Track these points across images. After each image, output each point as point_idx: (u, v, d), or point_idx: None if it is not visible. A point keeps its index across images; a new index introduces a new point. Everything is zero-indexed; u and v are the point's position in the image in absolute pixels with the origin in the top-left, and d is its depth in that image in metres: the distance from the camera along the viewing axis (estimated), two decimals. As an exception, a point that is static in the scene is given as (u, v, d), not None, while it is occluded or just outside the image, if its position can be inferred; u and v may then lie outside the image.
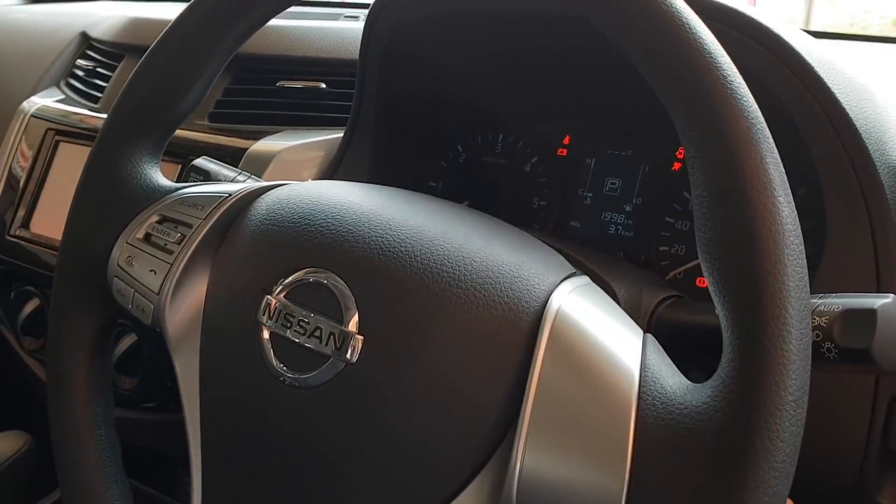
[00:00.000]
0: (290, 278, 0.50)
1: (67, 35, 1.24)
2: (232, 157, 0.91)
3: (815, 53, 0.62)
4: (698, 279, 0.78)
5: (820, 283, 0.62)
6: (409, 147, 0.90)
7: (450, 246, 0.49)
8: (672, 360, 0.45)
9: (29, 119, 1.10)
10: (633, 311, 0.60)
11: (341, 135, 0.91)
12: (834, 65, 0.64)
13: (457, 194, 0.91)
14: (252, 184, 0.59)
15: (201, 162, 0.74)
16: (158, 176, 0.62)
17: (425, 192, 0.92)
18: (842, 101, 0.61)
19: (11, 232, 1.05)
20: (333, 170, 0.87)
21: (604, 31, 0.45)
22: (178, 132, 0.67)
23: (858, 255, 0.61)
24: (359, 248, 0.49)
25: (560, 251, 0.60)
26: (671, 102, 0.42)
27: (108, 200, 0.60)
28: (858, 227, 0.61)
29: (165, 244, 0.57)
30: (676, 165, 0.80)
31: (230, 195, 0.58)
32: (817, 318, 0.48)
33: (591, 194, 0.85)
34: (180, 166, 0.94)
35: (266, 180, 0.85)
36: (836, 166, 0.62)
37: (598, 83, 0.81)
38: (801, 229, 0.41)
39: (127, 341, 0.97)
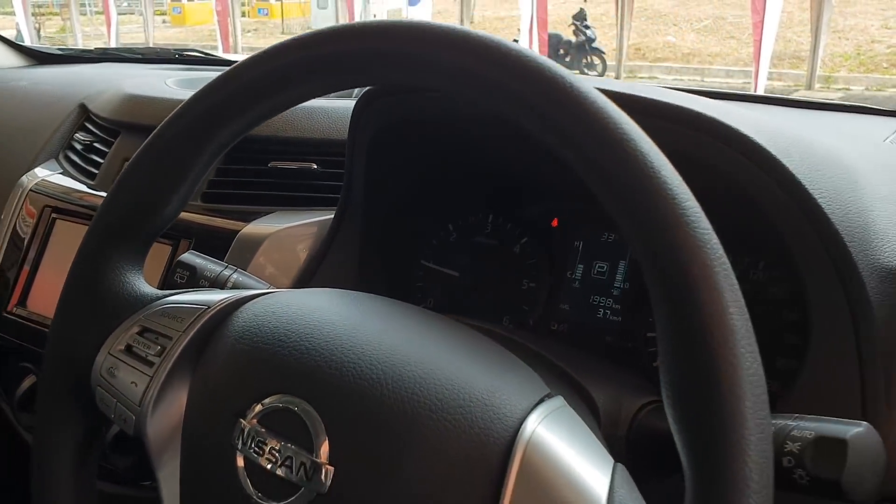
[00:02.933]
0: (262, 403, 0.50)
1: (67, 106, 1.26)
2: (224, 240, 0.92)
3: (795, 155, 0.63)
4: (687, 366, 0.78)
5: (804, 392, 0.62)
6: (400, 227, 0.91)
7: (423, 371, 0.49)
8: (652, 464, 0.45)
9: (27, 194, 1.11)
10: (613, 419, 0.60)
11: (331, 216, 0.92)
12: (813, 159, 0.65)
13: (448, 273, 0.91)
14: (231, 295, 0.60)
15: (187, 257, 0.75)
16: (141, 284, 0.62)
17: (418, 271, 0.94)
18: (823, 205, 0.61)
19: (8, 309, 1.06)
20: (324, 252, 0.88)
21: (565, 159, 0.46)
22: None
23: (843, 365, 0.61)
24: (331, 374, 0.49)
25: (541, 355, 0.60)
26: (632, 241, 0.43)
27: (90, 311, 0.61)
28: (843, 335, 0.61)
29: (146, 356, 0.57)
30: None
31: (209, 307, 0.58)
32: (790, 444, 0.48)
33: (579, 277, 0.85)
34: (171, 248, 0.95)
35: (256, 266, 0.87)
36: (820, 272, 0.62)
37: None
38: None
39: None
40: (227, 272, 0.75)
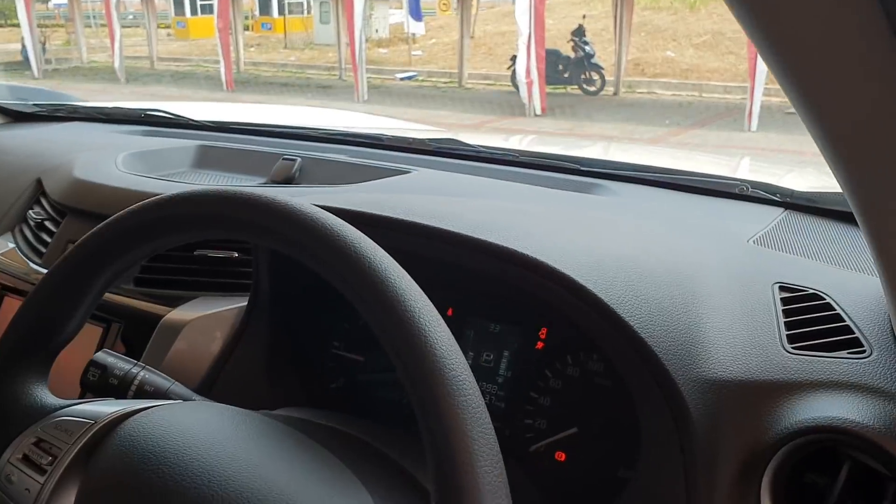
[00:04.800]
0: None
1: (26, 180, 1.34)
2: (150, 324, 1.00)
3: (619, 284, 0.71)
4: (557, 453, 0.85)
5: (634, 497, 0.70)
6: (308, 313, 0.99)
7: (263, 490, 0.57)
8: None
9: (-20, 270, 1.20)
10: None
11: (226, 304, 0.99)
12: (638, 286, 0.73)
13: (353, 357, 0.99)
14: (117, 410, 0.68)
15: (100, 357, 0.83)
16: (42, 395, 0.70)
17: (327, 356, 1.02)
18: (639, 329, 0.68)
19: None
20: (235, 341, 0.95)
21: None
22: (106, 295, 0.75)
23: (670, 471, 0.69)
24: (183, 496, 0.57)
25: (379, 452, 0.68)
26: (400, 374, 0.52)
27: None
28: (668, 443, 0.69)
29: (40, 464, 0.65)
30: (539, 345, 0.88)
31: (96, 422, 0.66)
32: None
33: (470, 363, 0.93)
34: (102, 329, 1.03)
35: (175, 353, 0.95)
36: (642, 385, 0.70)
37: (466, 272, 0.90)
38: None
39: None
40: (134, 370, 0.83)
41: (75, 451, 0.65)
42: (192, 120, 1.76)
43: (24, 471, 0.66)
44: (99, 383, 0.82)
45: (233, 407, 0.69)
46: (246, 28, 18.25)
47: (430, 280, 0.95)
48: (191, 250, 1.06)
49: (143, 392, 0.82)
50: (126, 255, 0.67)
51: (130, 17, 20.35)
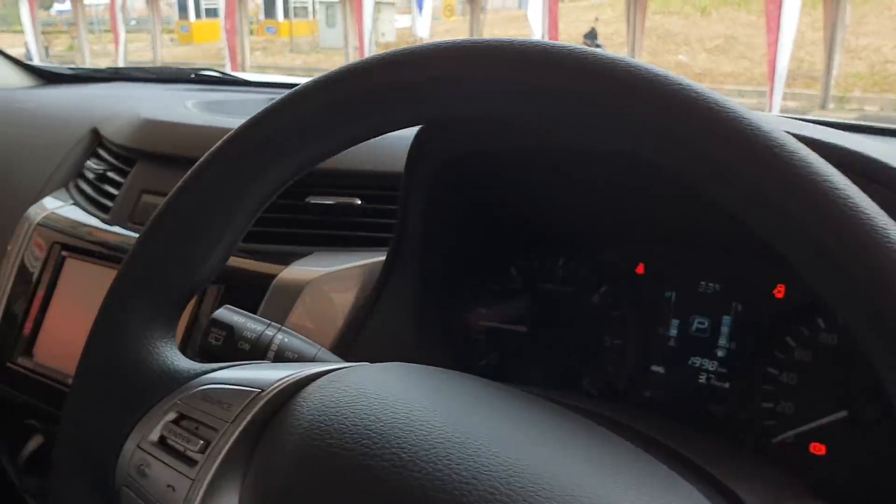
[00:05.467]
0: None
1: (78, 130, 1.14)
2: (257, 286, 0.80)
3: None
4: (814, 444, 0.65)
5: None
6: (456, 270, 0.79)
7: (564, 491, 0.36)
8: None
9: (34, 229, 1.00)
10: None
11: (379, 258, 0.80)
12: None
13: (512, 325, 0.79)
14: (287, 374, 0.48)
15: (224, 315, 0.63)
16: (175, 357, 0.51)
17: (477, 320, 0.82)
18: None
19: (13, 360, 0.94)
20: (373, 302, 0.76)
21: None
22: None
23: None
24: (440, 495, 0.37)
25: (676, 453, 0.48)
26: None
27: (113, 391, 0.49)
28: None
29: (185, 450, 0.46)
30: (775, 307, 0.69)
31: (262, 391, 0.46)
32: None
33: (674, 334, 0.73)
34: (196, 297, 0.83)
35: (295, 319, 0.75)
36: None
37: (677, 208, 0.70)
38: None
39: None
40: (269, 332, 0.63)
41: (238, 429, 0.45)
42: (246, 80, 1.58)
43: (162, 460, 0.46)
44: (224, 348, 0.62)
45: (459, 372, 0.50)
46: (250, 32, 18.10)
47: (618, 227, 0.78)
48: (302, 198, 0.86)
49: (284, 360, 0.62)
50: (306, 150, 0.47)
51: (133, 22, 20.21)
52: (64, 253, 0.95)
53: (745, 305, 0.70)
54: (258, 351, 0.62)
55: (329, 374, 0.48)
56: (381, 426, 0.41)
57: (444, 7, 19.79)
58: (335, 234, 0.84)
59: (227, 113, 1.07)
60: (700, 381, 0.71)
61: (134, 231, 0.93)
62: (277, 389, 0.46)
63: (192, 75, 1.60)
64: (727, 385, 0.70)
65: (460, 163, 0.67)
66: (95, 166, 1.04)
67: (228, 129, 0.93)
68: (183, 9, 20.68)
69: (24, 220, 1.02)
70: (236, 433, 0.45)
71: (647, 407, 0.73)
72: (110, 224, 0.96)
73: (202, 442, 0.45)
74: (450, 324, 0.80)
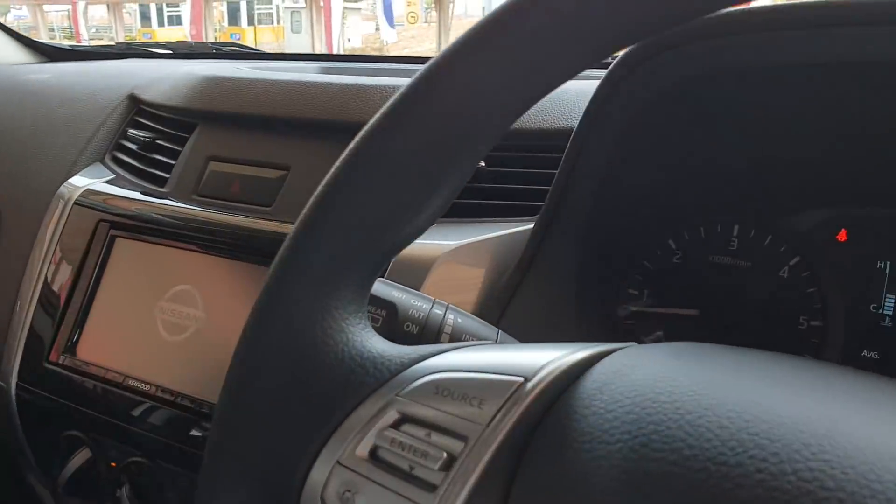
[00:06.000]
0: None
1: (112, 98, 0.99)
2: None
3: None
4: None
5: None
6: (620, 242, 0.66)
7: None
8: None
9: (72, 207, 0.84)
10: None
11: (514, 229, 0.67)
12: None
13: (680, 309, 0.66)
14: (551, 354, 0.34)
15: (381, 289, 0.49)
16: (374, 338, 0.37)
17: (624, 305, 0.70)
18: None
19: (52, 358, 0.79)
20: (519, 277, 0.63)
21: None
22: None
23: None
24: None
25: None
26: None
27: (297, 389, 0.35)
28: None
29: (413, 468, 0.32)
30: None
31: (526, 380, 0.33)
32: None
33: (890, 313, 0.61)
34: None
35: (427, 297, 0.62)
36: None
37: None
38: None
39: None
40: (437, 310, 0.49)
41: (501, 434, 0.32)
42: (276, 53, 1.45)
43: (380, 482, 0.33)
44: (385, 330, 0.48)
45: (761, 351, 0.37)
46: (214, 40, 17.85)
47: (815, 182, 0.62)
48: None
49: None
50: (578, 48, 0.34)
51: (93, 30, 19.80)
52: (114, 232, 0.80)
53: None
54: (429, 334, 0.49)
55: (609, 357, 0.35)
56: (729, 431, 0.27)
57: (406, 14, 19.77)
58: (456, 201, 0.71)
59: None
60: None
61: (199, 205, 0.78)
62: (551, 377, 0.33)
63: (214, 49, 1.45)
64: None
65: (662, 99, 0.55)
66: (141, 136, 0.89)
67: (311, 83, 0.81)
68: (145, 17, 20.33)
69: (58, 199, 0.87)
70: (498, 441, 0.31)
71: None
72: (169, 198, 0.81)
73: (444, 455, 0.32)
74: (611, 304, 0.67)
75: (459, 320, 0.49)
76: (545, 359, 0.34)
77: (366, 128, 0.36)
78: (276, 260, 0.37)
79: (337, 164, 0.36)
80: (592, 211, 0.61)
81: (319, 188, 0.37)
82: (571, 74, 0.35)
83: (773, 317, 0.64)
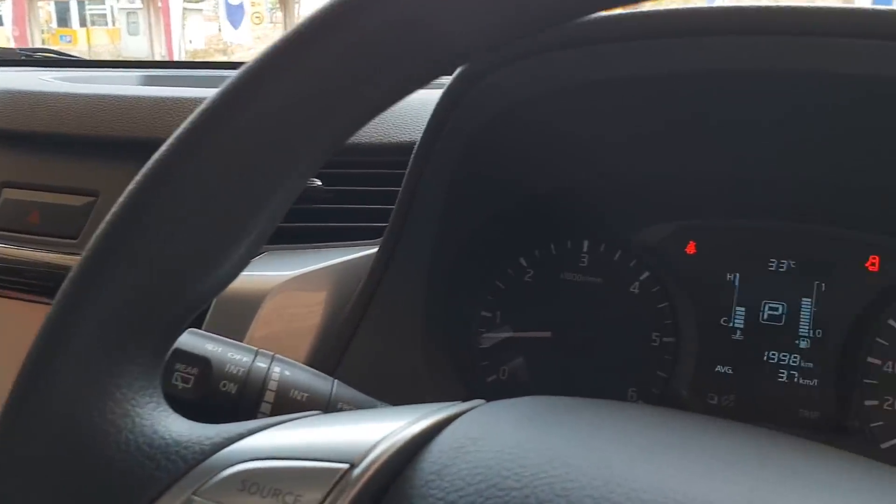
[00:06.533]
0: None
1: None
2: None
3: None
4: (937, 448, 0.54)
5: None
6: (467, 266, 0.62)
7: None
8: None
9: None
10: None
11: (355, 254, 0.61)
12: None
13: (525, 329, 0.63)
14: (377, 429, 0.29)
15: (191, 342, 0.42)
16: (169, 418, 0.31)
17: (479, 332, 0.65)
18: None
19: None
20: (362, 309, 0.57)
21: None
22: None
23: None
24: None
25: None
26: None
27: (71, 490, 0.29)
28: None
29: None
30: (870, 281, 0.57)
31: (351, 467, 0.27)
32: None
33: (741, 326, 0.60)
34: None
35: (257, 335, 0.56)
36: None
37: (740, 166, 0.57)
38: None
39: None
40: (261, 363, 0.43)
41: None
42: (91, 61, 1.34)
43: None
44: (198, 392, 0.41)
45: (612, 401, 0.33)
46: (42, 42, 16.74)
47: (664, 195, 0.60)
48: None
49: (290, 402, 0.42)
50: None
51: None
52: None
53: (830, 284, 0.58)
54: (250, 393, 0.42)
55: (451, 428, 0.30)
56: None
57: (251, 15, 19.31)
58: (289, 226, 0.64)
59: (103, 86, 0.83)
60: (780, 379, 0.58)
61: (-7, 239, 0.68)
62: (382, 460, 0.27)
63: (23, 56, 1.31)
64: (814, 383, 0.58)
65: (505, 115, 0.50)
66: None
67: (122, 97, 0.72)
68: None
69: None
70: None
71: (716, 415, 0.59)
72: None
73: None
74: (464, 333, 0.62)
75: (287, 373, 0.43)
76: (377, 435, 0.28)
77: (157, 154, 0.30)
78: (42, 325, 0.30)
79: (120, 200, 0.30)
80: (439, 231, 0.56)
81: (98, 232, 0.30)
82: (403, 91, 0.30)
83: (626, 334, 0.62)
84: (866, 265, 0.57)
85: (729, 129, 0.53)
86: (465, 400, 0.33)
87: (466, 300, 0.64)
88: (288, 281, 0.59)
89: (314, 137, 0.30)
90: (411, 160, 0.54)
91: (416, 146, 0.53)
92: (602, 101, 0.50)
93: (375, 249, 0.58)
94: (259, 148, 0.29)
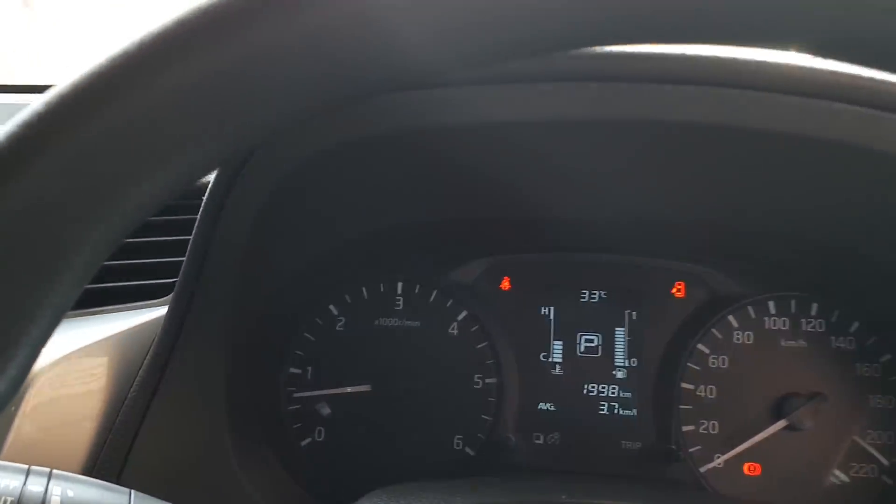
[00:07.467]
0: None
1: None
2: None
3: None
4: (746, 465, 0.56)
5: None
6: (272, 322, 0.56)
7: None
8: None
9: None
10: None
11: (149, 317, 0.53)
12: None
13: (341, 384, 0.58)
14: None
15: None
16: None
17: (288, 391, 0.58)
18: None
19: None
20: (150, 390, 0.49)
21: None
22: None
23: None
24: None
25: None
26: None
27: None
28: None
29: None
30: (678, 307, 0.58)
31: None
32: None
33: (559, 360, 0.59)
34: None
35: (23, 434, 0.47)
36: None
37: (534, 198, 0.56)
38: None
39: None
40: (34, 486, 0.35)
41: None
42: None
43: None
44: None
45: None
46: None
47: (471, 234, 0.59)
48: None
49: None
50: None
51: None
52: None
53: (641, 312, 0.58)
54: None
55: None
56: None
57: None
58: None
59: None
60: (601, 412, 0.58)
61: None
62: None
63: None
64: (633, 413, 0.58)
65: (308, 163, 0.45)
66: None
67: None
68: None
69: None
70: None
71: (544, 456, 0.58)
72: None
73: None
74: (268, 395, 0.56)
75: (70, 494, 0.36)
76: None
77: None
78: None
79: None
80: (238, 283, 0.49)
81: None
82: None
83: (448, 379, 0.59)
84: (672, 291, 0.58)
85: (530, 170, 0.51)
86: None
87: (273, 358, 0.58)
88: (58, 362, 0.50)
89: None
90: (202, 209, 0.47)
91: (207, 193, 0.47)
92: (396, 151, 0.47)
93: (164, 311, 0.51)
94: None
